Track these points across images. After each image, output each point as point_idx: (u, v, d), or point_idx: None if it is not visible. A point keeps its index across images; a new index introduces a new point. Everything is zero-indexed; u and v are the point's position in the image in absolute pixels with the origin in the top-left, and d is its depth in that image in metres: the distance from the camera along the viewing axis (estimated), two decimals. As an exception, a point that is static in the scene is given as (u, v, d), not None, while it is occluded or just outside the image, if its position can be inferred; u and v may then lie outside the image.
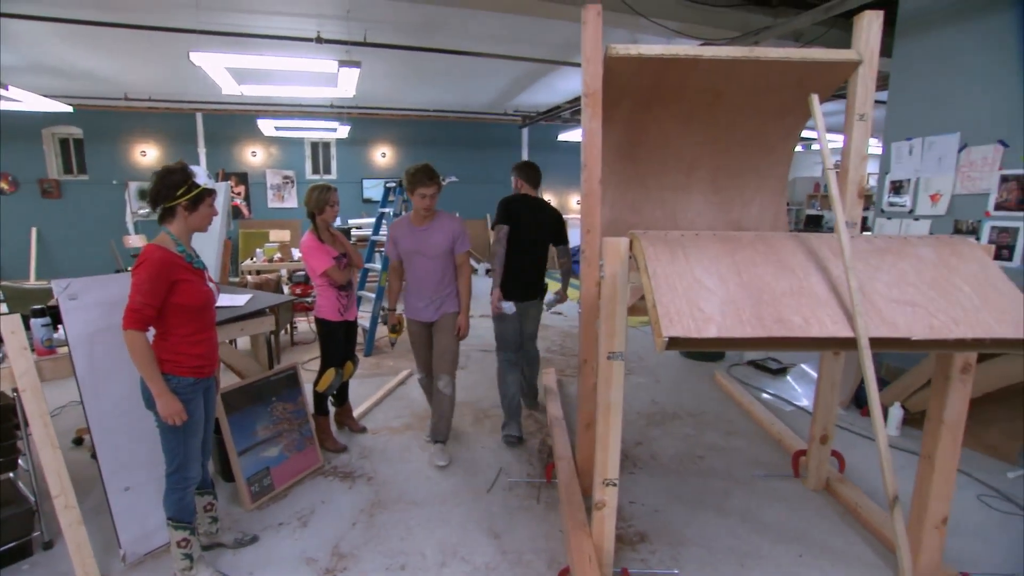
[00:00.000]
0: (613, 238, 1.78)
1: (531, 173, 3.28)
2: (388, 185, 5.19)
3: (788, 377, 4.41)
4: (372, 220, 6.22)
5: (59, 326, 2.19)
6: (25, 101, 5.31)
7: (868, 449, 3.15)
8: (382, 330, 5.79)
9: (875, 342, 1.49)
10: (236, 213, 8.55)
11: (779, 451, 3.10)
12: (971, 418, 3.07)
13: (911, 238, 1.79)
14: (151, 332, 1.87)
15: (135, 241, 7.28)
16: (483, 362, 4.82)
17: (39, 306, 2.18)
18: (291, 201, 9.19)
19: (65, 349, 2.16)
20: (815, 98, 1.83)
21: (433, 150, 10.00)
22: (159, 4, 4.04)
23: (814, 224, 9.83)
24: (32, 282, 7.22)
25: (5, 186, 7.72)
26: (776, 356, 4.68)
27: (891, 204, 3.70)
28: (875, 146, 7.71)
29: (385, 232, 5.11)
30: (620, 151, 2.80)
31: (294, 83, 5.79)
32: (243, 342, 4.01)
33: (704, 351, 4.73)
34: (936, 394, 1.92)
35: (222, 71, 4.54)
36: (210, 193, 1.94)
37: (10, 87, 4.97)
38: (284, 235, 8.51)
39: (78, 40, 4.92)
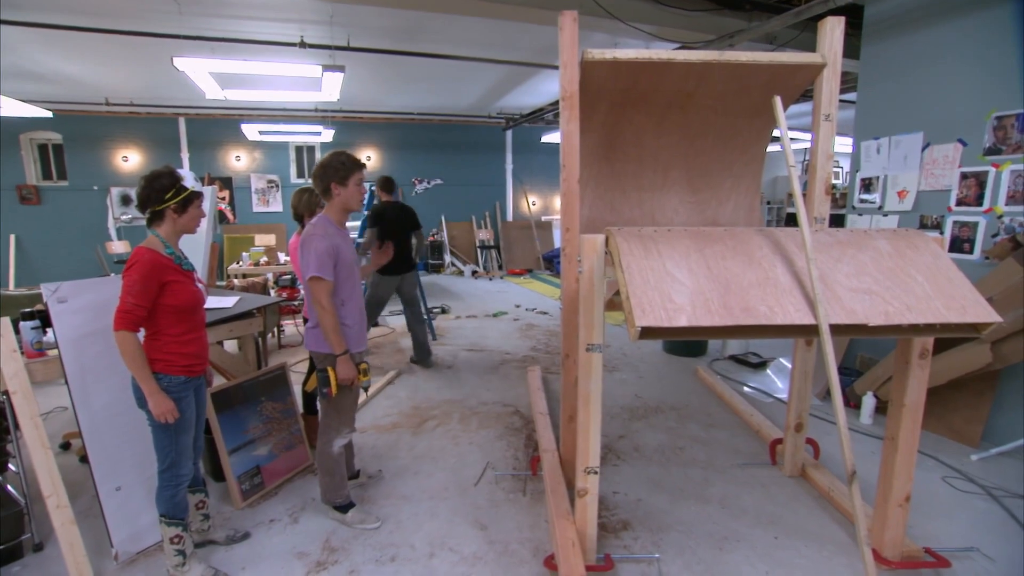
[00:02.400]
0: (591, 235, 1.86)
1: (387, 184, 4.72)
2: (373, 188, 5.23)
3: (768, 370, 4.53)
4: (356, 224, 6.26)
5: (48, 329, 2.22)
6: (3, 107, 5.27)
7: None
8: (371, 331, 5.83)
9: (835, 328, 1.59)
10: (221, 218, 8.52)
11: (758, 441, 3.21)
12: (937, 404, 3.26)
13: (871, 231, 1.90)
14: (142, 333, 1.91)
15: (118, 247, 7.22)
16: (471, 361, 4.88)
17: (28, 309, 2.20)
18: (276, 205, 9.17)
19: (55, 352, 2.19)
20: (778, 100, 1.93)
21: (418, 153, 10.05)
22: (140, 9, 4.06)
23: (794, 221, 10.05)
24: (12, 289, 7.13)
25: (-19, 193, 7.61)
26: (756, 351, 4.81)
27: (862, 201, 3.84)
28: (847, 145, 7.94)
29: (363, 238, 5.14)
30: (598, 152, 2.89)
31: (278, 87, 5.81)
32: (232, 344, 4.03)
33: (687, 346, 4.91)
34: (898, 379, 2.03)
35: (205, 76, 4.56)
36: (198, 196, 1.99)
37: (-11, 93, 4.93)
38: (269, 239, 8.48)
39: (58, 45, 4.90)
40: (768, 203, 11.58)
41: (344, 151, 2.42)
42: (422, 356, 4.75)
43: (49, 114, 5.97)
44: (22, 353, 2.13)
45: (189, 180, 1.96)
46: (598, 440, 2.00)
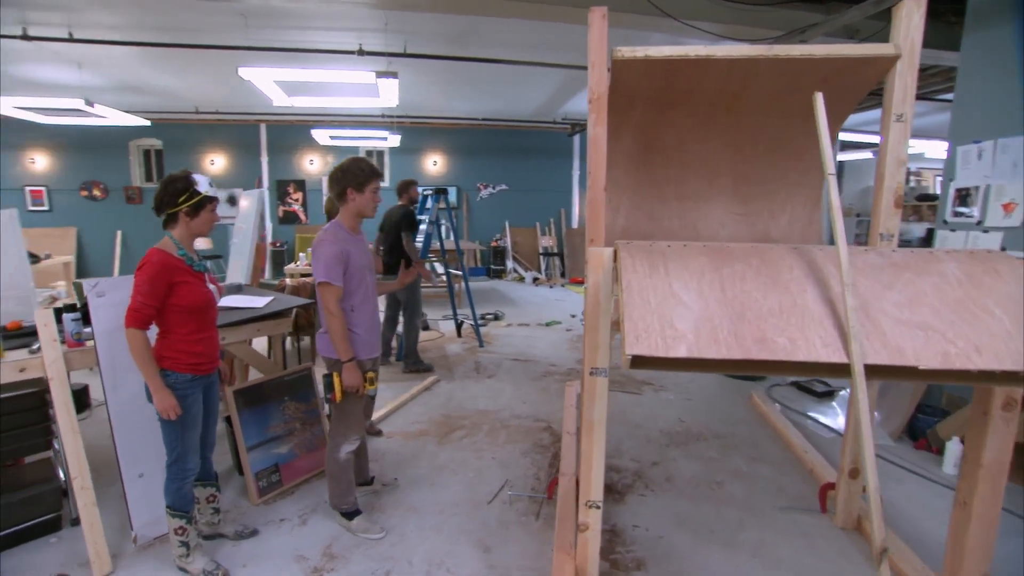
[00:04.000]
0: (598, 248, 1.69)
1: (403, 187, 4.49)
2: (425, 192, 5.28)
3: (834, 402, 4.05)
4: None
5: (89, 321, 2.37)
6: (109, 117, 5.86)
7: (917, 487, 2.83)
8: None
9: (873, 370, 1.32)
10: (292, 218, 9.00)
11: (809, 482, 2.84)
12: None
13: (938, 252, 1.59)
14: (154, 331, 1.98)
15: (201, 244, 7.84)
16: (513, 371, 4.77)
17: (71, 302, 2.35)
18: (345, 207, 9.58)
19: (92, 343, 2.33)
20: (819, 97, 1.67)
21: (483, 159, 10.12)
22: (212, 24, 4.35)
23: None
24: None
25: (98, 193, 8.56)
26: (824, 378, 4.32)
27: (956, 214, 3.33)
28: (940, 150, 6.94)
29: (419, 241, 5.18)
30: (636, 158, 2.68)
31: (340, 94, 6.04)
32: (261, 344, 4.19)
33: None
34: (974, 432, 1.68)
35: (271, 84, 4.80)
36: (211, 200, 2.03)
37: (96, 105, 5.50)
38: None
39: (150, 61, 5.38)
40: (858, 216, 10.55)
41: (365, 159, 2.41)
42: (410, 363, 4.71)
43: (147, 123, 6.59)
44: (63, 343, 2.28)
45: (203, 185, 2.01)
46: (601, 472, 1.82)
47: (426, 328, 6.15)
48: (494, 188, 10.34)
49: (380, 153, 9.74)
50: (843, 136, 9.21)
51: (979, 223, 3.19)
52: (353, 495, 2.43)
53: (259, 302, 2.96)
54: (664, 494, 2.75)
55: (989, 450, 1.62)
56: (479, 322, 6.36)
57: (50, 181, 8.69)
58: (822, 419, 3.71)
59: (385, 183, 9.96)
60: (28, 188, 8.64)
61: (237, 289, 3.39)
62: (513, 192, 10.57)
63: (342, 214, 2.37)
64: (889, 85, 2.16)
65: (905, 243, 9.14)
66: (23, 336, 2.45)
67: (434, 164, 9.95)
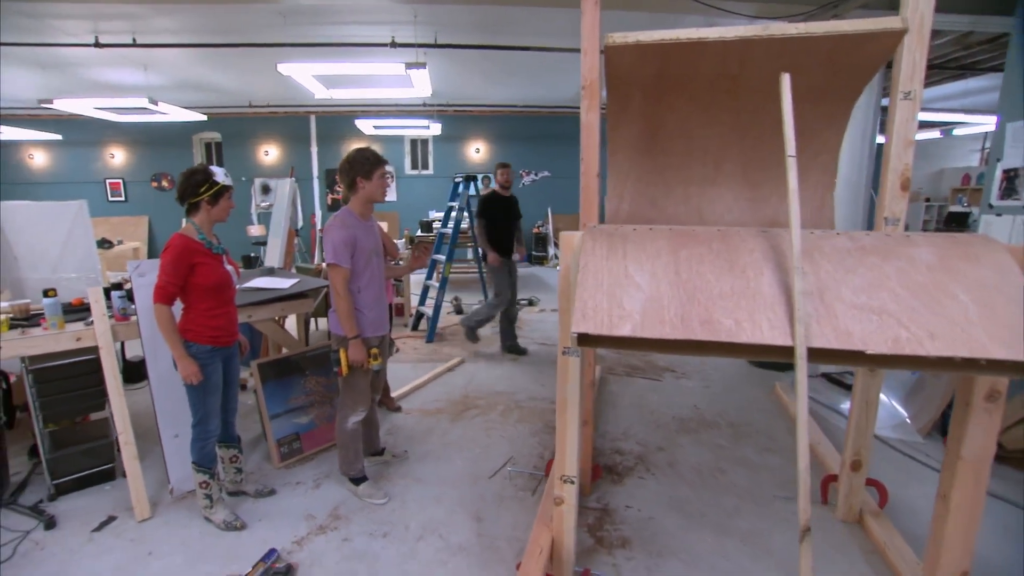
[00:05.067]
0: (569, 232, 1.75)
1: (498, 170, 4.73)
2: (456, 180, 5.41)
3: (868, 395, 3.87)
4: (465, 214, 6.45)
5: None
6: (170, 113, 6.37)
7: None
8: (447, 319, 6.08)
9: (817, 353, 1.32)
10: (339, 205, 9.41)
11: (817, 473, 2.76)
12: None
13: (915, 236, 1.53)
14: (179, 306, 2.21)
15: (254, 231, 8.36)
16: (537, 355, 4.86)
17: (118, 281, 2.65)
18: (391, 195, 9.91)
19: (135, 317, 2.62)
20: (785, 78, 1.64)
21: (524, 145, 10.15)
22: (255, 24, 4.63)
23: (956, 223, 8.34)
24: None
25: (166, 184, 9.30)
26: (774, 360, 4.13)
27: (1003, 198, 3.09)
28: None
29: (450, 226, 5.33)
30: (638, 144, 2.68)
31: (376, 86, 6.26)
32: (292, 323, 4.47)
33: (773, 360, 4.37)
34: (955, 424, 1.63)
35: (309, 78, 5.06)
36: (228, 189, 2.24)
37: (159, 103, 6.00)
38: (383, 226, 9.17)
39: (204, 60, 5.80)
40: (927, 201, 9.79)
41: (369, 147, 2.55)
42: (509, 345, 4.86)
43: (204, 117, 7.11)
44: (111, 317, 2.58)
45: (220, 176, 2.21)
46: (575, 448, 1.89)
47: (460, 312, 6.33)
48: (536, 175, 10.35)
49: (424, 141, 9.98)
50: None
51: (1025, 207, 2.96)
52: (360, 463, 2.61)
53: (285, 283, 3.20)
54: (664, 478, 2.77)
55: (970, 442, 1.56)
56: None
57: (126, 174, 9.55)
58: (841, 408, 3.57)
59: (429, 171, 10.22)
60: (108, 181, 9.54)
61: (269, 272, 3.65)
62: (555, 179, 10.55)
63: (352, 202, 2.53)
64: (896, 61, 2.06)
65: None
66: (83, 311, 2.79)
67: (476, 151, 10.09)
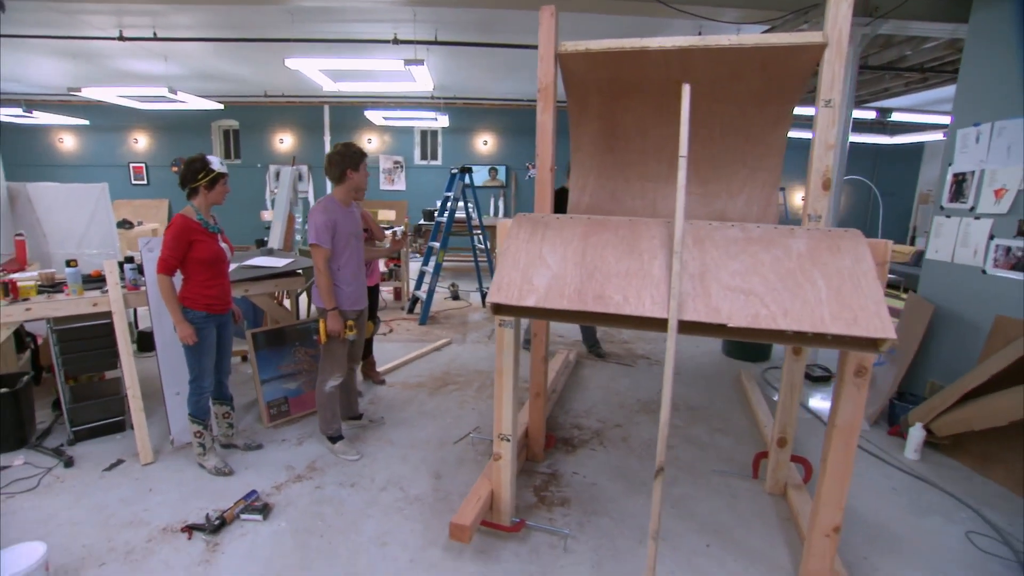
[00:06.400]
0: (505, 219, 2.00)
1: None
2: (452, 171, 5.68)
3: (831, 385, 4.05)
4: (461, 204, 6.70)
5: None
6: (189, 102, 6.75)
7: (873, 469, 2.89)
8: (441, 304, 6.37)
9: (688, 326, 1.55)
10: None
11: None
12: (1010, 450, 2.72)
13: (797, 229, 1.75)
14: (179, 278, 2.53)
15: (268, 215, 8.76)
16: (518, 339, 5.11)
17: (130, 254, 2.98)
18: (400, 184, 10.24)
19: (144, 288, 2.95)
20: (686, 88, 1.85)
21: (531, 138, 10.28)
22: (265, 21, 4.94)
23: None
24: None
25: (187, 168, 9.77)
26: (822, 363, 4.31)
27: (952, 200, 3.25)
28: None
29: (443, 217, 5.59)
30: (599, 142, 2.91)
31: (380, 80, 6.54)
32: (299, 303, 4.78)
33: (746, 350, 4.58)
34: (834, 398, 1.85)
35: (316, 72, 5.36)
36: (223, 176, 2.54)
37: (178, 92, 6.37)
38: (390, 214, 9.51)
39: (219, 53, 6.15)
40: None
41: (353, 142, 2.83)
42: (593, 347, 4.69)
43: (221, 106, 7.49)
44: (124, 287, 2.91)
45: (216, 164, 2.51)
46: (510, 409, 2.15)
47: (456, 298, 6.63)
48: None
49: (433, 133, 10.25)
50: (917, 117, 8.53)
51: (971, 209, 3.11)
52: (337, 423, 2.92)
53: (280, 263, 3.51)
54: (615, 451, 3.02)
55: (842, 413, 1.78)
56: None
57: (148, 158, 10.04)
58: (809, 402, 3.76)
59: (438, 161, 10.49)
60: (132, 164, 10.05)
61: (268, 252, 3.98)
62: (561, 171, 10.68)
63: (337, 190, 2.81)
64: (820, 72, 2.25)
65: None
66: (100, 281, 3.13)
67: (484, 144, 10.32)
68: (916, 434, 2.97)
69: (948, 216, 3.26)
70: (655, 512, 1.62)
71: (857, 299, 1.51)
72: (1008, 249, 2.92)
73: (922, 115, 8.04)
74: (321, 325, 2.71)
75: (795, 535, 2.32)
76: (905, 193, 10.60)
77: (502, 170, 10.47)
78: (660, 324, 1.58)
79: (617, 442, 3.12)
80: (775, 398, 3.80)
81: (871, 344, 1.49)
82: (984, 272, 3.05)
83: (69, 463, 2.72)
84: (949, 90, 7.31)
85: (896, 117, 8.02)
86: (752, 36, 2.23)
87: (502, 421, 2.17)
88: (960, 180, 3.19)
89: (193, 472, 2.67)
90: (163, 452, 2.86)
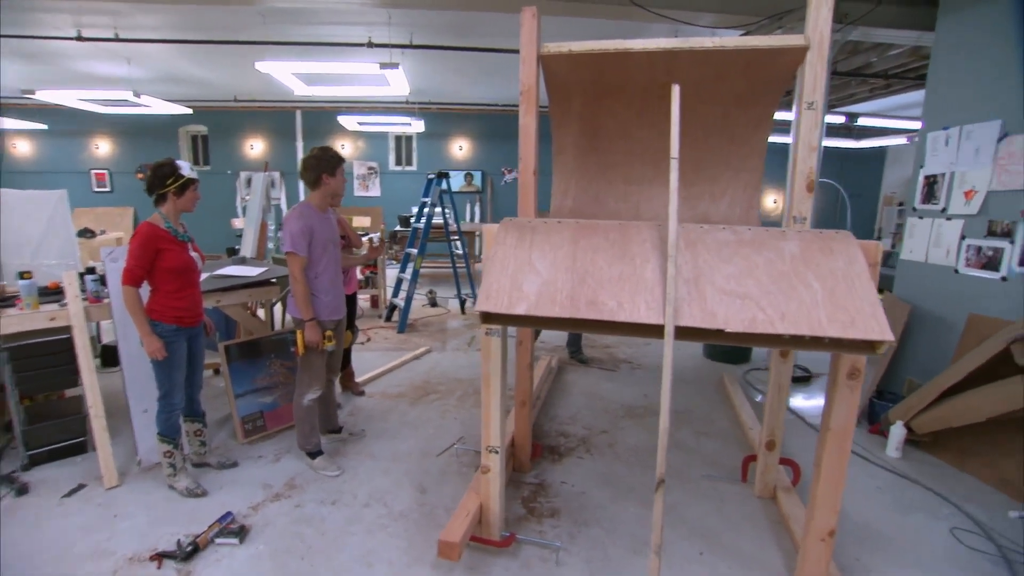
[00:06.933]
0: (491, 224, 1.94)
1: None
2: (429, 176, 5.59)
3: (811, 386, 4.11)
4: (438, 210, 6.60)
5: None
6: (154, 106, 6.51)
7: (856, 468, 2.91)
8: (419, 311, 6.27)
9: (685, 331, 1.52)
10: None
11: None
12: (988, 445, 2.78)
13: (789, 231, 1.74)
14: (147, 288, 2.39)
15: (240, 223, 8.51)
16: (500, 346, 5.04)
17: (92, 265, 2.82)
18: (375, 190, 10.08)
19: (108, 300, 2.79)
20: (675, 88, 1.83)
21: (507, 143, 10.32)
22: (235, 22, 4.79)
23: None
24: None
25: (153, 175, 9.43)
26: (806, 364, 4.36)
27: (924, 202, 3.32)
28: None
29: (420, 223, 5.50)
30: (582, 144, 2.88)
31: (355, 84, 6.42)
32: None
33: (727, 353, 4.60)
34: (828, 400, 1.83)
35: (289, 76, 5.22)
36: (193, 182, 2.42)
37: (142, 95, 6.13)
38: (365, 221, 9.35)
39: (186, 55, 5.94)
40: (900, 205, 10.07)
41: (330, 146, 2.74)
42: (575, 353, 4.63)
43: (189, 111, 7.24)
44: (85, 299, 2.75)
45: (186, 169, 2.39)
46: (499, 420, 2.08)
47: (434, 305, 6.52)
48: (518, 173, 10.51)
49: (408, 138, 10.14)
50: (881, 122, 8.80)
51: (943, 210, 3.18)
52: (316, 438, 2.80)
53: (254, 272, 3.37)
54: (601, 458, 2.98)
55: (836, 415, 1.77)
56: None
57: (111, 165, 9.65)
58: (790, 402, 3.79)
59: (413, 167, 10.38)
60: (93, 171, 9.65)
61: (241, 260, 3.83)
62: (539, 176, 10.70)
63: (313, 196, 2.70)
64: (800, 74, 2.26)
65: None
66: (59, 294, 2.95)
67: (460, 149, 10.25)
68: (897, 432, 3.01)
69: (921, 217, 3.33)
70: (657, 525, 1.57)
71: (852, 301, 1.49)
72: (979, 249, 2.99)
73: (885, 120, 8.29)
74: (298, 336, 2.60)
75: (787, 539, 2.30)
76: (870, 195, 10.93)
77: (478, 175, 10.41)
78: (655, 330, 1.54)
79: (604, 449, 3.08)
80: (758, 399, 3.83)
81: (868, 346, 1.47)
82: (957, 271, 3.12)
83: (23, 490, 2.54)
84: (911, 96, 7.58)
85: (861, 122, 8.27)
86: (735, 38, 2.23)
87: (490, 432, 2.10)
88: (932, 182, 3.26)
89: (163, 494, 2.52)
90: (129, 474, 2.70)
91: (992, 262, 2.93)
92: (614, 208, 2.95)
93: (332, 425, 3.06)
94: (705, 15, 4.12)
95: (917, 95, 7.17)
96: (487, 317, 1.58)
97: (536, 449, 2.94)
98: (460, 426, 3.33)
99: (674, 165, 1.67)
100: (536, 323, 1.60)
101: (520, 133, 2.49)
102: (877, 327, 1.43)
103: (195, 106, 8.22)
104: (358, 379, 3.92)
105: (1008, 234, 2.83)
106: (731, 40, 2.22)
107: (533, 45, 2.42)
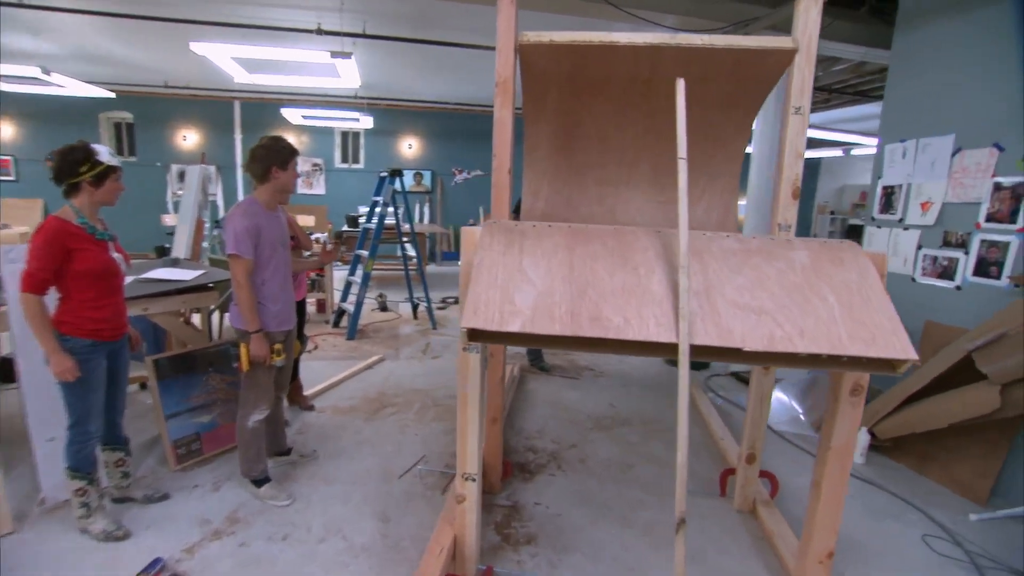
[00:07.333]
0: (470, 227, 1.74)
1: None
2: (382, 174, 5.28)
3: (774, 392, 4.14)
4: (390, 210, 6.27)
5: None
6: (68, 87, 5.80)
7: (821, 474, 2.92)
8: (369, 316, 5.93)
9: (700, 351, 1.38)
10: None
11: (720, 468, 2.92)
12: (943, 450, 2.85)
13: (795, 240, 1.65)
14: (54, 296, 2.01)
15: (170, 220, 7.79)
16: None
17: (-16, 267, 2.37)
18: (319, 188, 9.56)
19: (5, 308, 2.36)
20: (680, 82, 1.72)
21: (458, 143, 10.08)
22: (165, -4, 4.32)
23: (855, 235, 9.13)
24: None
25: (66, 164, 8.47)
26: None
27: (882, 212, 3.40)
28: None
29: (374, 222, 5.19)
30: (555, 143, 2.72)
31: (302, 74, 6.00)
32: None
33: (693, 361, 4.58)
34: (828, 416, 1.76)
35: (228, 60, 4.77)
36: (114, 170, 2.06)
37: (52, 73, 5.44)
38: (310, 220, 8.84)
39: (107, 31, 5.32)
40: (832, 213, 10.65)
41: (281, 137, 2.42)
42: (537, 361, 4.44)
43: (111, 95, 6.53)
44: (-25, 306, 2.30)
45: (105, 155, 2.03)
46: (475, 445, 1.88)
47: (384, 309, 6.20)
48: (469, 173, 10.31)
49: (355, 134, 9.69)
50: (816, 134, 9.26)
51: (900, 220, 3.26)
52: (263, 463, 2.48)
53: (188, 275, 2.99)
54: (574, 474, 2.83)
55: (838, 434, 1.69)
56: (439, 305, 6.41)
57: (17, 151, 8.61)
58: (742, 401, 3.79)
59: (360, 164, 9.93)
60: (-5, 157, 8.59)
61: (173, 262, 3.41)
62: (488, 178, 10.51)
63: (261, 191, 2.39)
64: (788, 78, 2.21)
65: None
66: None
67: (409, 147, 9.92)
68: (862, 438, 3.04)
69: (879, 227, 3.41)
70: (679, 570, 1.41)
71: (870, 316, 1.40)
72: (935, 259, 3.08)
73: (824, 132, 8.71)
74: (242, 351, 2.29)
75: (772, 556, 2.23)
76: (805, 204, 11.51)
77: (428, 175, 10.11)
78: (667, 349, 1.39)
79: (575, 464, 2.93)
80: (719, 402, 3.81)
81: (888, 365, 1.39)
82: (914, 280, 3.20)
83: None
84: (849, 111, 8.00)
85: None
86: (723, 37, 2.14)
87: (466, 458, 1.89)
88: (889, 193, 3.34)
89: (72, 541, 2.13)
90: (29, 517, 2.28)
91: (947, 271, 3.01)
92: (587, 211, 2.81)
93: (280, 447, 2.75)
94: (669, 16, 4.09)
95: (854, 110, 7.57)
96: (475, 335, 1.38)
97: (507, 468, 2.75)
98: (421, 443, 3.09)
99: (682, 166, 1.54)
100: (533, 341, 1.41)
101: (495, 128, 2.30)
102: (899, 345, 1.35)
103: (119, 90, 7.46)
104: (307, 392, 3.59)
105: (963, 245, 2.93)
106: (721, 38, 2.13)
107: (511, 33, 2.24)
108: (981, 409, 2.54)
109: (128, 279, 2.76)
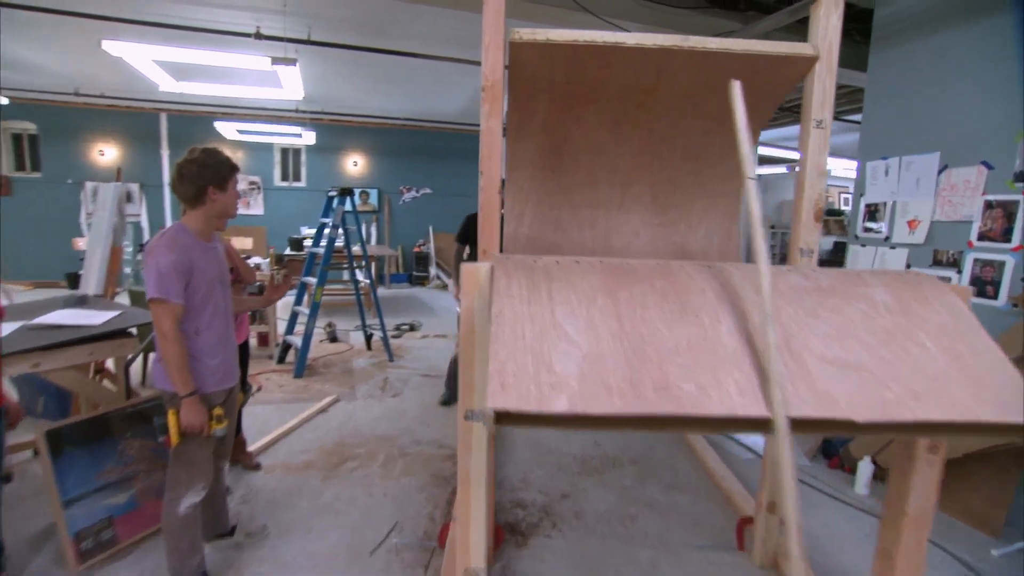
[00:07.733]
0: (471, 264, 1.38)
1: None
2: (330, 193, 4.79)
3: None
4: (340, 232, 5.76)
5: None
6: (-51, 90, 4.94)
7: (832, 510, 2.73)
8: (318, 348, 5.38)
9: (800, 424, 1.08)
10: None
11: (725, 512, 2.67)
12: (951, 478, 2.70)
13: (864, 274, 1.39)
14: None
15: (84, 244, 6.87)
16: (421, 388, 4.38)
17: None
18: (257, 208, 8.84)
19: None
20: (736, 84, 1.45)
21: (406, 160, 9.66)
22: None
23: (839, 252, 9.36)
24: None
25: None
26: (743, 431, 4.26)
27: (866, 230, 3.31)
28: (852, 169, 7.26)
29: (322, 245, 4.69)
30: (541, 159, 2.41)
31: (240, 82, 5.43)
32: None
33: (745, 431, 4.36)
34: (897, 477, 1.51)
35: (149, 64, 4.17)
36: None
37: (-72, 74, 4.61)
38: (247, 243, 8.12)
39: (3, 27, 4.56)
40: (772, 227, 11.02)
41: (217, 150, 1.96)
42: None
43: (5, 100, 5.64)
44: None
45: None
46: (482, 534, 1.50)
47: (334, 340, 5.65)
48: (417, 191, 9.88)
49: (296, 151, 9.06)
50: (767, 151, 9.55)
51: (887, 239, 3.18)
52: (198, 556, 1.97)
53: (98, 318, 2.43)
54: (572, 533, 2.48)
55: (914, 497, 1.44)
56: (393, 333, 5.93)
57: None
58: (742, 439, 3.59)
59: (301, 183, 9.29)
60: None
61: (79, 302, 2.80)
62: (437, 196, 10.14)
63: (193, 217, 1.91)
64: (807, 88, 2.01)
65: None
66: None
67: (354, 165, 9.39)
68: (865, 468, 2.89)
69: (863, 245, 3.32)
70: None
71: (983, 368, 1.16)
72: (925, 278, 2.99)
73: (771, 149, 8.98)
74: (171, 420, 1.79)
75: (807, 623, 1.97)
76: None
77: (374, 194, 9.61)
78: (756, 424, 1.07)
79: (571, 520, 2.59)
80: (731, 441, 3.58)
81: (1019, 430, 1.14)
82: (904, 300, 3.10)
83: None
84: (790, 129, 8.26)
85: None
86: (740, 41, 1.92)
87: (470, 551, 1.50)
88: (872, 210, 3.26)
89: None
90: None
91: (939, 291, 2.93)
92: (578, 237, 2.52)
93: (221, 526, 2.23)
94: (634, 26, 3.91)
95: (793, 129, 7.81)
96: (504, 418, 1.01)
97: (498, 534, 2.37)
98: (392, 504, 2.65)
99: (752, 187, 1.25)
100: (583, 424, 1.06)
101: (483, 138, 1.95)
102: (1025, 404, 1.10)
103: (17, 97, 6.52)
104: (251, 447, 3.05)
105: (955, 264, 2.85)
106: (737, 42, 1.90)
107: (500, 29, 1.91)
108: (997, 437, 2.41)
109: (11, 326, 2.19)
